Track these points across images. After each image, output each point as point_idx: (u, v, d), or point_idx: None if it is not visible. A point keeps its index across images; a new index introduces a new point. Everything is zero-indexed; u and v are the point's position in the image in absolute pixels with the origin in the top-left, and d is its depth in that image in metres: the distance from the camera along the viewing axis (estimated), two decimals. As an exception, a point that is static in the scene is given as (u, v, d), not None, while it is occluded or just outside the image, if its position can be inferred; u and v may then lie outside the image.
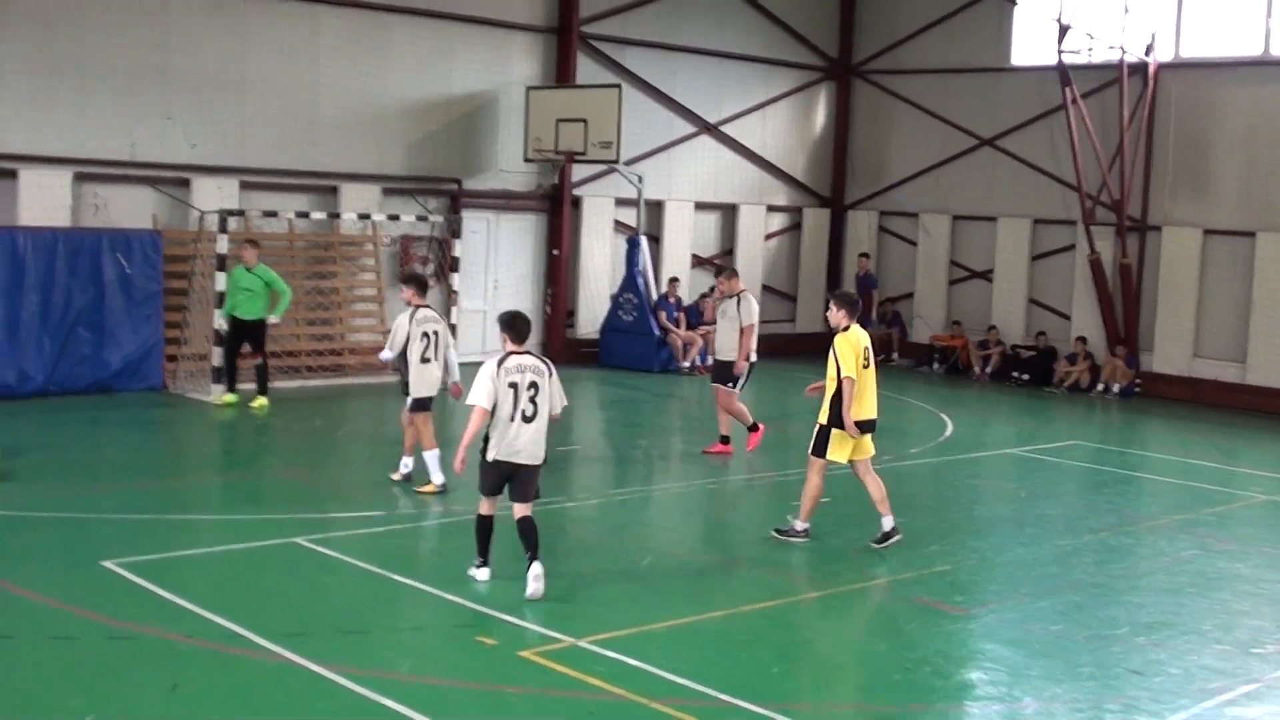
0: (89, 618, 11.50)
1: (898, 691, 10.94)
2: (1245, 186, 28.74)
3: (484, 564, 13.17)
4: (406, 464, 17.09)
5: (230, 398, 22.24)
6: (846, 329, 14.85)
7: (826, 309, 15.59)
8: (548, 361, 13.01)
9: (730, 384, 19.58)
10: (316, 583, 13.05)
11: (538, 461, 12.84)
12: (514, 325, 12.85)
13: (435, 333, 16.34)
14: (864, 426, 15.06)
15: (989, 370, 31.19)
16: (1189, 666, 11.78)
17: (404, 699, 10.01)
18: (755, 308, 19.62)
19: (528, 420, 12.67)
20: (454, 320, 25.44)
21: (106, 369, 22.66)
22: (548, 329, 29.93)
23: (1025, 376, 30.38)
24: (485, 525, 13.08)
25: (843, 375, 14.65)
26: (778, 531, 15.41)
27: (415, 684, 10.46)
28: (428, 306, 16.55)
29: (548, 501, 16.44)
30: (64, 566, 13.04)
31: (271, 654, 10.83)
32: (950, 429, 23.62)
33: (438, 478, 16.57)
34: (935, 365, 32.17)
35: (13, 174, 22.69)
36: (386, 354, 16.62)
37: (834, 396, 14.82)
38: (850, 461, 15.17)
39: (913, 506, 17.62)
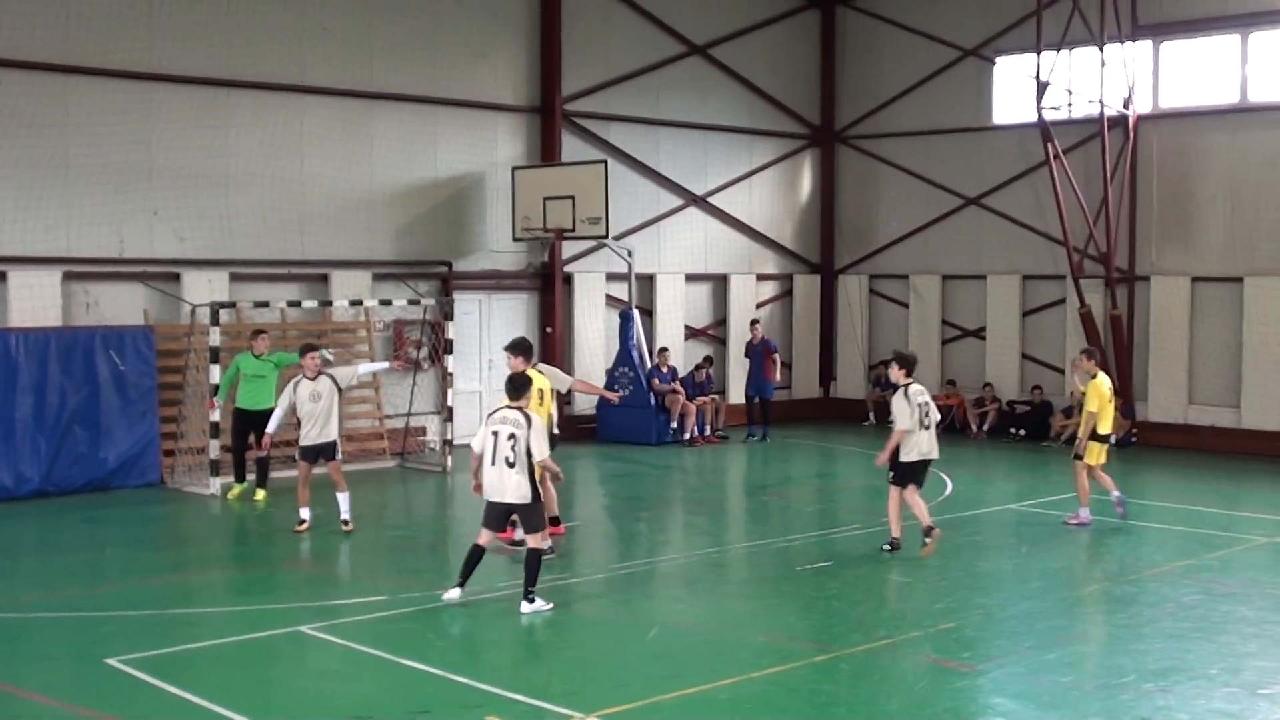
0: (95, 716, 11.47)
1: (909, 751, 10.91)
2: (1230, 233, 28.92)
3: (459, 585, 15.25)
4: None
5: (239, 489, 22.22)
6: (532, 371, 17.07)
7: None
8: (530, 415, 15.09)
9: None
10: (323, 670, 13.02)
11: (526, 500, 14.97)
12: (507, 383, 15.52)
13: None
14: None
15: (986, 428, 31.26)
16: (1197, 711, 11.74)
17: (414, 781, 9.98)
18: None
19: (510, 465, 14.85)
20: (450, 402, 25.53)
21: (103, 467, 22.67)
22: (544, 406, 29.93)
23: (1022, 432, 30.42)
24: (474, 553, 15.27)
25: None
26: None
27: (425, 766, 10.43)
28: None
29: (554, 579, 16.51)
30: (69, 666, 13.01)
31: (280, 743, 10.81)
32: (950, 488, 23.58)
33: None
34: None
35: (2, 276, 22.78)
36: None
37: None
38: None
39: (916, 565, 17.65)
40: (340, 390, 19.61)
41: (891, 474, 18.35)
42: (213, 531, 20.62)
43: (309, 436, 19.32)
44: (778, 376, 30.97)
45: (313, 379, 19.25)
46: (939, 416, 18.83)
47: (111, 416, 22.77)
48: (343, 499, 19.47)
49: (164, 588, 16.62)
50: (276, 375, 22.14)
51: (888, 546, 18.26)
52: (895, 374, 18.40)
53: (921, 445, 18.19)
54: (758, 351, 30.91)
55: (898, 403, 18.11)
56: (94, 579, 16.92)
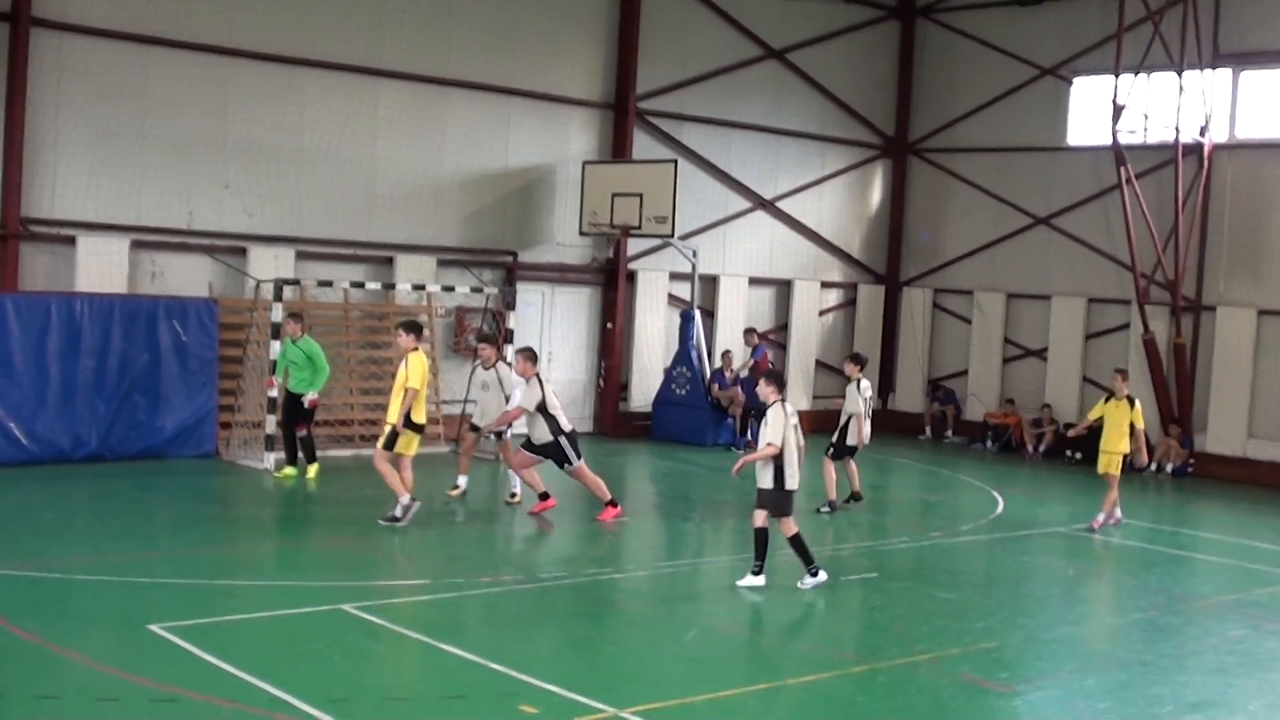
0: (134, 681, 11.55)
1: (939, 767, 10.88)
2: (1301, 268, 28.70)
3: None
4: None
5: (289, 471, 22.27)
6: (415, 349, 18.56)
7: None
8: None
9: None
10: (361, 649, 13.07)
11: None
12: (777, 378, 16.52)
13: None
14: (418, 427, 18.74)
15: (1042, 449, 31.08)
16: (1234, 747, 11.68)
17: (443, 766, 10.02)
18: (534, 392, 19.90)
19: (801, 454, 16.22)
20: (507, 392, 25.56)
21: (160, 435, 22.86)
22: (601, 401, 30.03)
23: (1078, 455, 30.14)
24: (798, 540, 16.27)
25: (409, 385, 18.30)
26: (384, 519, 18.57)
27: (455, 751, 10.46)
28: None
29: (598, 573, 16.57)
30: (112, 629, 13.17)
31: None
32: (1001, 506, 23.52)
33: None
34: (988, 443, 32.08)
35: (71, 240, 23.02)
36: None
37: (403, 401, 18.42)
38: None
39: (961, 583, 17.61)
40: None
41: (831, 450, 21.98)
42: (263, 506, 20.77)
43: (477, 418, 21.48)
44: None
45: (486, 369, 21.11)
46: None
47: (171, 385, 22.96)
48: (513, 475, 20.89)
49: (211, 558, 16.76)
50: (309, 364, 21.89)
51: (826, 509, 21.60)
52: (850, 369, 22.17)
53: (864, 432, 21.89)
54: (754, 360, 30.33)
55: (850, 392, 21.91)
56: (143, 545, 17.09)
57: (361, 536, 18.18)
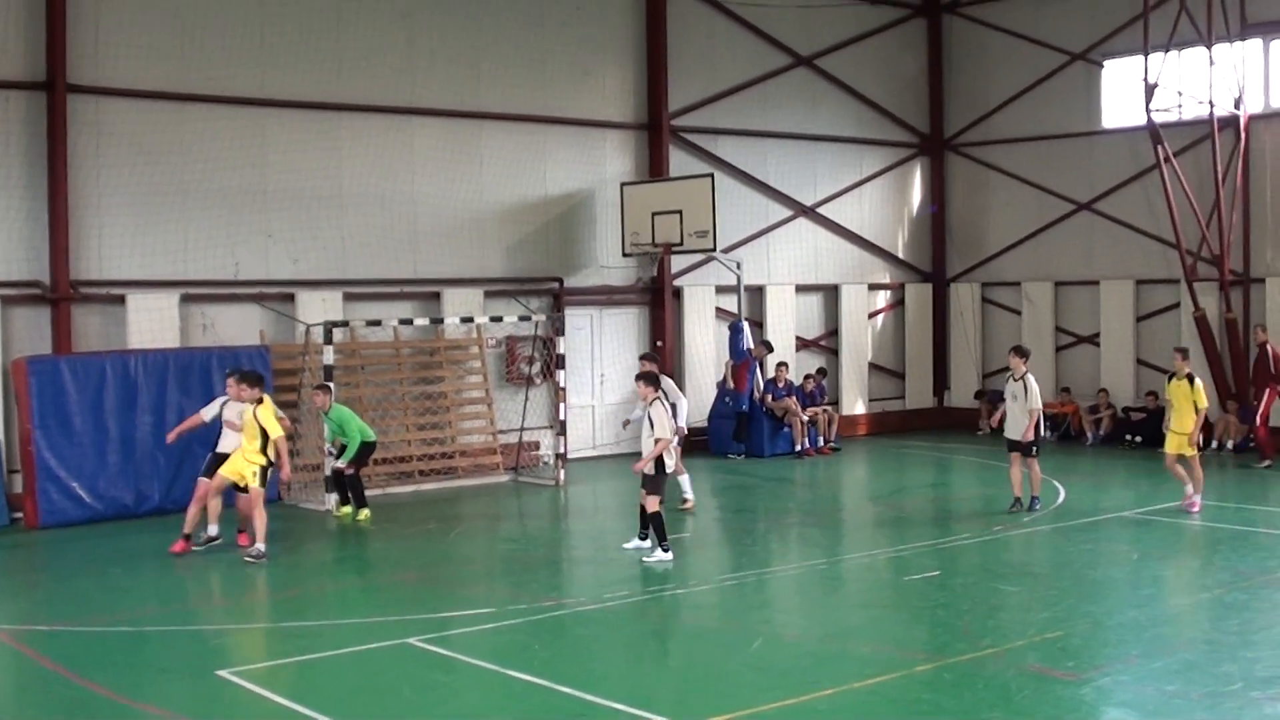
0: (207, 727, 11.74)
1: (1009, 759, 10.88)
2: (1348, 232, 28.51)
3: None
4: None
5: (346, 510, 22.41)
6: (260, 400, 18.95)
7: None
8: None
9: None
10: (429, 681, 13.18)
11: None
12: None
13: None
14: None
15: (1101, 434, 30.95)
16: (1305, 719, 11.63)
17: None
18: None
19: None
20: (562, 416, 25.76)
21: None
22: (656, 420, 30.05)
23: (1138, 438, 30.08)
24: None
25: (274, 436, 18.84)
26: (251, 558, 18.70)
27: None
28: None
29: (661, 589, 16.65)
30: (182, 678, 13.28)
31: (385, 753, 10.98)
32: (1063, 495, 23.45)
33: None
34: (1047, 433, 31.88)
35: (121, 299, 23.30)
36: None
37: (263, 446, 18.99)
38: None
39: (1025, 575, 17.60)
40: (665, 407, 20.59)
41: (1036, 449, 22.14)
42: (326, 546, 20.89)
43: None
44: (743, 385, 29.62)
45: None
46: None
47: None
48: (684, 480, 22.34)
49: (277, 601, 16.94)
50: (342, 434, 21.99)
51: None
52: (1015, 363, 21.94)
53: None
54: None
55: (1030, 385, 21.66)
56: (209, 593, 17.26)
57: (426, 570, 18.31)
